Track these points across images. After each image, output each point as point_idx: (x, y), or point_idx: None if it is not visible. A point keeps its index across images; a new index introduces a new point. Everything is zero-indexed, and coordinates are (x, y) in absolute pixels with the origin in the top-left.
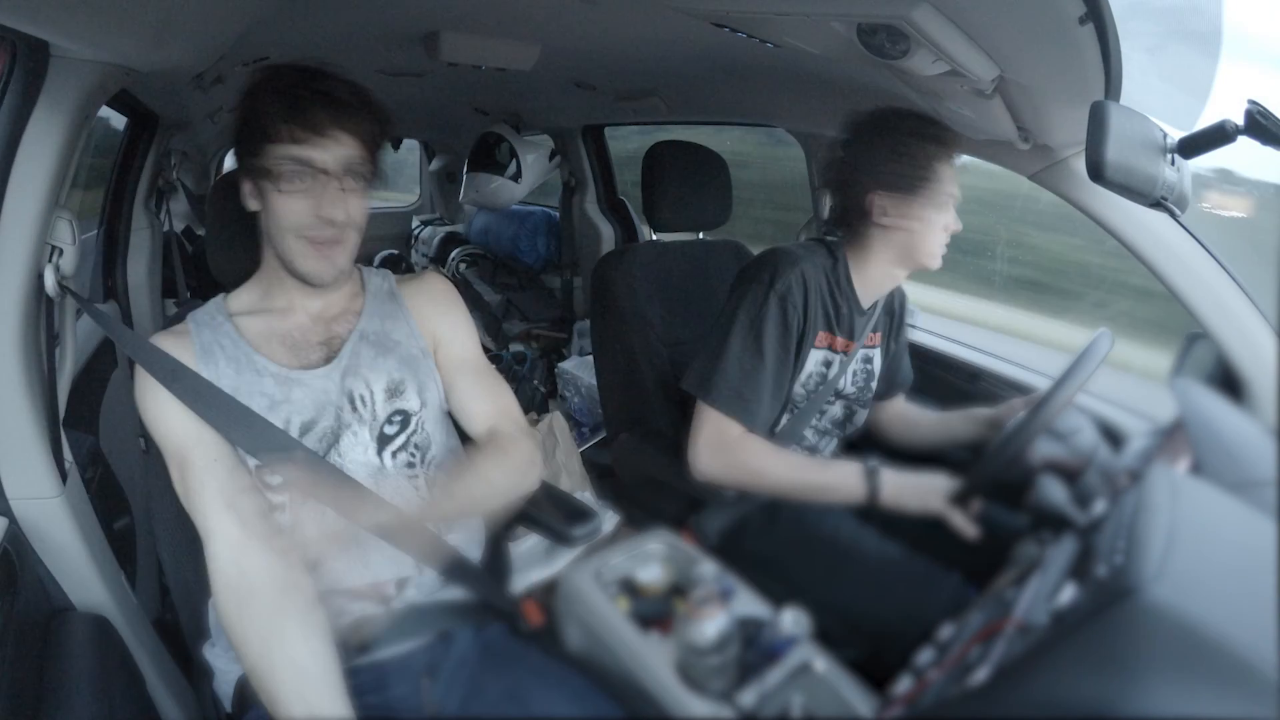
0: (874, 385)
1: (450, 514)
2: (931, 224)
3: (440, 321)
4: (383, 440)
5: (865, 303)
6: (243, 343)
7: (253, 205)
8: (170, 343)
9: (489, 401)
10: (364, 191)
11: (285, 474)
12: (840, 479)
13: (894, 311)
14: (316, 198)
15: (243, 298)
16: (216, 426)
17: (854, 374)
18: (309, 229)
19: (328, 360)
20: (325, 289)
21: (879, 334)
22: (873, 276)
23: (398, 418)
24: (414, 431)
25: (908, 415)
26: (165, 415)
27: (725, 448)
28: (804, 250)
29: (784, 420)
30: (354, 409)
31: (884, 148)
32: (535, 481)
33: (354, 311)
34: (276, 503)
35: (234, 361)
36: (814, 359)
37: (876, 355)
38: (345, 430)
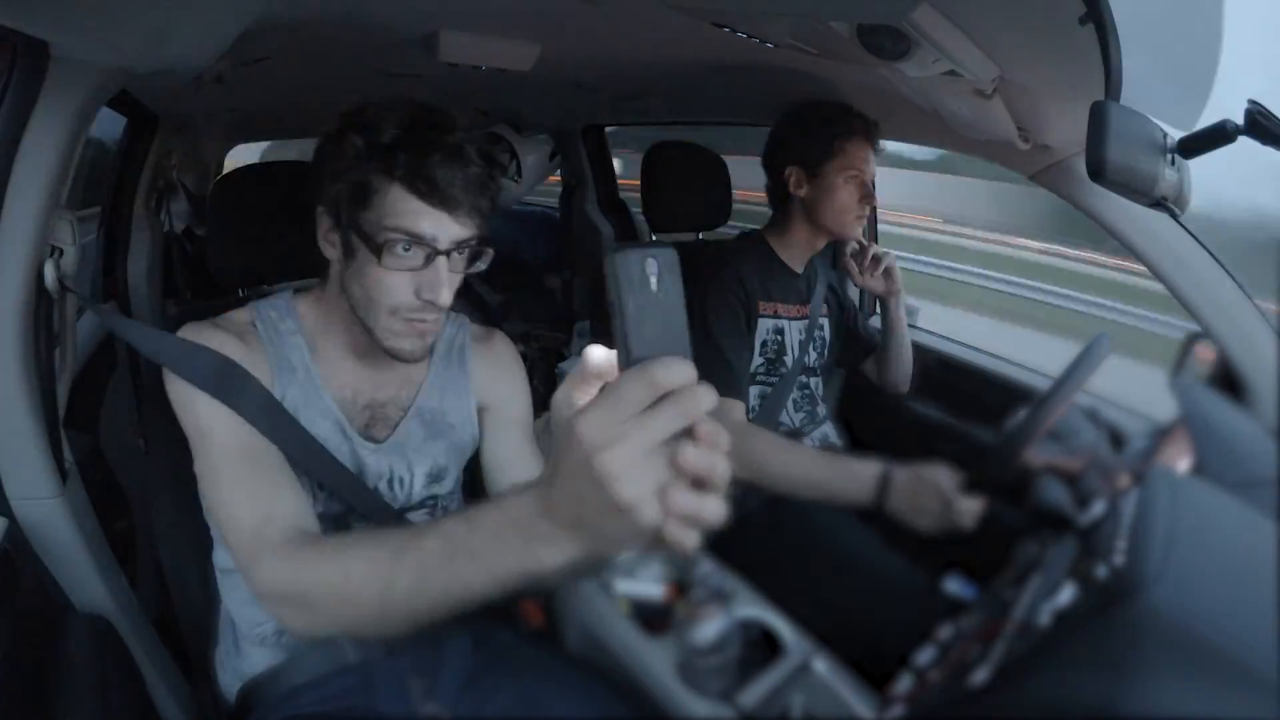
0: (828, 353)
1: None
2: (837, 194)
3: (498, 388)
4: (405, 511)
5: (795, 267)
6: (312, 370)
7: (330, 252)
8: (238, 350)
9: (534, 468)
10: (465, 272)
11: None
12: (849, 479)
13: (835, 286)
14: (423, 277)
15: (311, 319)
16: (275, 441)
17: (815, 340)
18: (410, 310)
19: (368, 427)
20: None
21: (827, 306)
22: (795, 244)
23: (430, 501)
24: (439, 509)
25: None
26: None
27: (730, 434)
28: (728, 243)
29: (758, 400)
30: (390, 488)
31: (797, 129)
32: None
33: (414, 380)
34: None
35: (304, 393)
36: (764, 327)
37: (826, 324)
38: None
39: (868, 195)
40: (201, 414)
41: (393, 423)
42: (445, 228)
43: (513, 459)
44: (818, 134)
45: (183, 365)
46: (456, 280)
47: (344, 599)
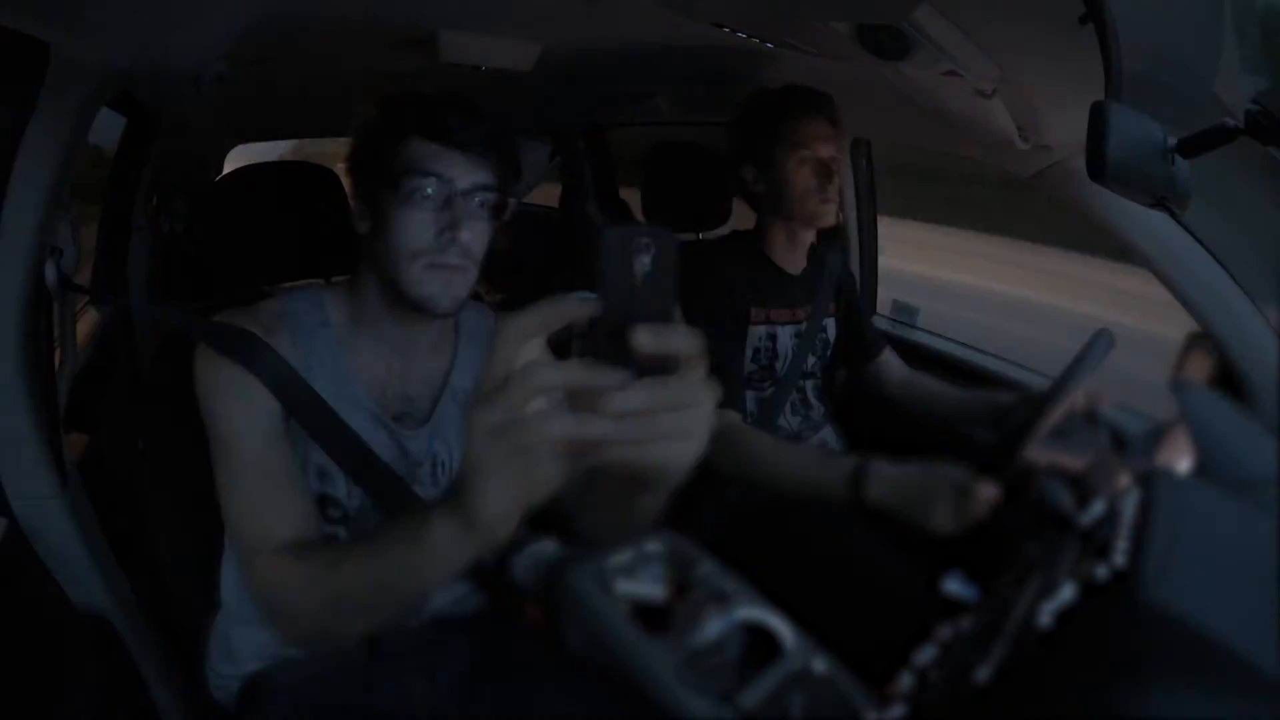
0: (830, 354)
1: None
2: (792, 180)
3: None
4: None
5: (791, 269)
6: (341, 362)
7: (362, 227)
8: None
9: None
10: (489, 226)
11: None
12: (824, 474)
13: (840, 283)
14: (443, 217)
15: (340, 312)
16: (299, 417)
17: (815, 345)
18: (433, 252)
19: (403, 414)
20: (420, 341)
21: (835, 304)
22: (780, 242)
23: None
24: None
25: (915, 381)
26: (225, 397)
27: (720, 437)
28: (714, 243)
29: (753, 405)
30: (433, 475)
31: (740, 125)
32: None
33: (440, 365)
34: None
35: (333, 385)
36: (756, 334)
37: (830, 324)
38: (415, 484)
39: (826, 174)
40: (223, 427)
41: (428, 405)
42: (461, 168)
43: None
44: (759, 121)
45: (211, 337)
46: (482, 230)
47: (325, 608)
